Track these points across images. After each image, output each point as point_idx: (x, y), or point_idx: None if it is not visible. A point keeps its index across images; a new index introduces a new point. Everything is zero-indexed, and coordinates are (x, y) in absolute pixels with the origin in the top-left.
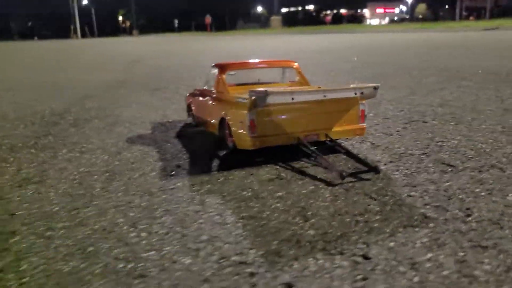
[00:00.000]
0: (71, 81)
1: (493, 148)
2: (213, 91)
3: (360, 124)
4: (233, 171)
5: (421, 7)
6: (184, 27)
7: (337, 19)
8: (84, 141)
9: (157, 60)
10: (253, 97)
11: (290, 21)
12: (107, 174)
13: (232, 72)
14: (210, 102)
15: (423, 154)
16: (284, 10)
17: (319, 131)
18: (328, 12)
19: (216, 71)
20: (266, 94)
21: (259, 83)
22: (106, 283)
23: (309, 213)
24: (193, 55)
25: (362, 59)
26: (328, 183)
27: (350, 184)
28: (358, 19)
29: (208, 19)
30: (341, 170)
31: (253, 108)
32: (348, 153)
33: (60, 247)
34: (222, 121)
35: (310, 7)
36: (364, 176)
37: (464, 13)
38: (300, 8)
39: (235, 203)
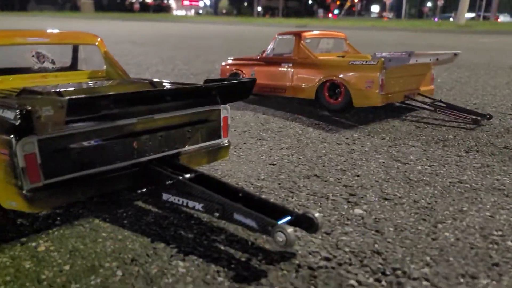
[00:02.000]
0: None
1: None
2: (293, 58)
3: (431, 86)
4: (372, 124)
5: (224, 2)
6: None
7: (145, 8)
8: None
9: None
10: (382, 59)
11: (97, 6)
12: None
13: (308, 40)
14: (294, 68)
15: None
16: None
17: (414, 91)
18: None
19: (290, 38)
20: (410, 54)
21: (326, 52)
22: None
23: None
24: None
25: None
26: (467, 128)
27: (480, 128)
28: (164, 9)
29: None
30: (475, 117)
31: (383, 69)
32: (451, 106)
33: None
34: (322, 84)
35: None
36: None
37: (260, 11)
38: None
39: (447, 149)
